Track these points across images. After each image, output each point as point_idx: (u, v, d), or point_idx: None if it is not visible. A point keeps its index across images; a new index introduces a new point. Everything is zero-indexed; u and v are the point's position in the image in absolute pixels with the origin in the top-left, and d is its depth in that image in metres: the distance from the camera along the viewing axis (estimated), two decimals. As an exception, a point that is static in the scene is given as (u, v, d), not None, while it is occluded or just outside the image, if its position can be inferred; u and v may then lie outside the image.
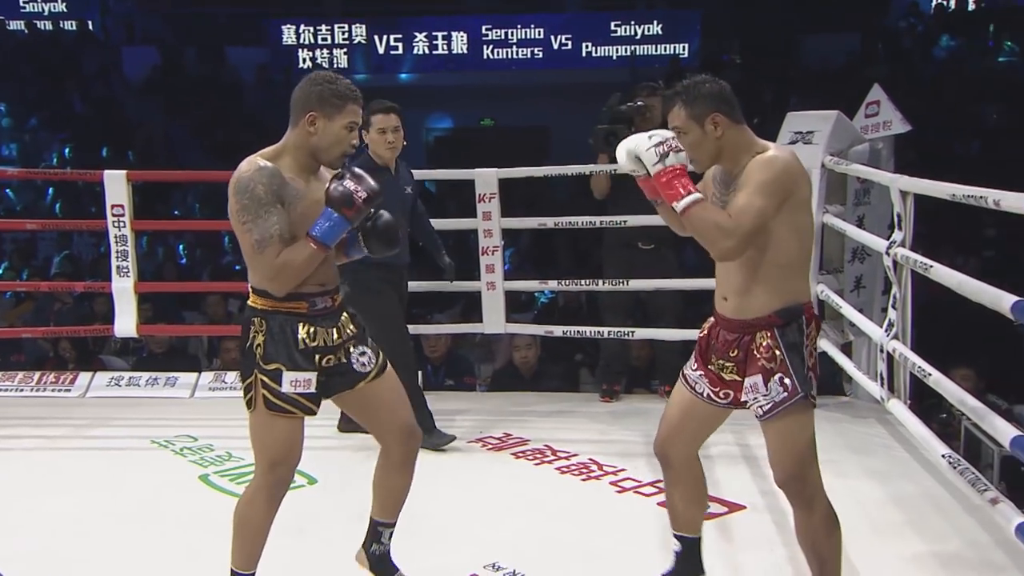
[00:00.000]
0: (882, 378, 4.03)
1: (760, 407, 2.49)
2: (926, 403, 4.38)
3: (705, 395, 2.63)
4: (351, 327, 2.67)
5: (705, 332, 2.67)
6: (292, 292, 2.51)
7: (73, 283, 6.98)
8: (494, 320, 5.12)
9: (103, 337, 6.31)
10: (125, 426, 4.79)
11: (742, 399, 2.56)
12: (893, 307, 3.92)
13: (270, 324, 2.51)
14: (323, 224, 2.44)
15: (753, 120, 11.49)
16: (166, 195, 13.04)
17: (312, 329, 2.54)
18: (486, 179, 5.01)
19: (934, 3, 16.85)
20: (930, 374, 3.62)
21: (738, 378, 2.55)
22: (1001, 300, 2.78)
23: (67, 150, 13.98)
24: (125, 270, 5.10)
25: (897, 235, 3.81)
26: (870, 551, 3.16)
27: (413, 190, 4.43)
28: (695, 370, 2.66)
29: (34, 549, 3.33)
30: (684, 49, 16.95)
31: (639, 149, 2.43)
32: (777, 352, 2.46)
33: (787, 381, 2.45)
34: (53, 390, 5.38)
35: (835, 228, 4.49)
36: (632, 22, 17.31)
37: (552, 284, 5.56)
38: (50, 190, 12.63)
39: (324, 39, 17.70)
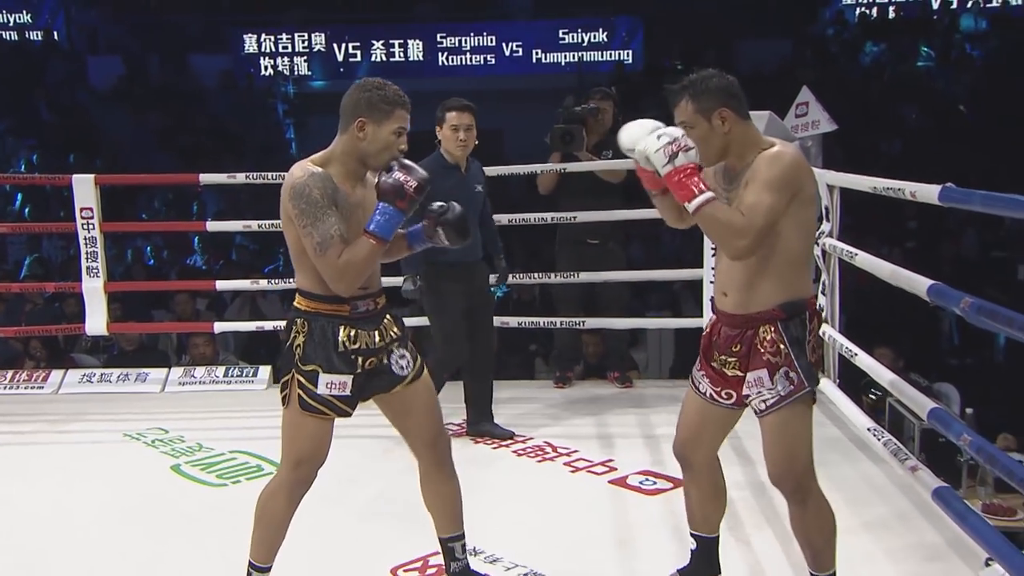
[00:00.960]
0: (814, 359, 4.09)
1: (764, 401, 2.37)
2: (862, 382, 4.45)
3: (708, 395, 2.52)
4: (394, 330, 2.58)
5: (707, 330, 2.56)
6: (334, 295, 2.44)
7: (44, 284, 6.87)
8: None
9: (74, 336, 6.22)
10: (97, 420, 4.73)
11: (743, 394, 2.43)
12: (823, 293, 4.00)
13: (312, 326, 2.46)
14: (378, 218, 2.37)
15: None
16: (133, 199, 12.88)
17: (353, 332, 2.47)
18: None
19: (858, 12, 17.14)
20: (856, 354, 3.71)
21: (740, 373, 2.42)
22: (919, 285, 2.85)
23: (35, 156, 13.71)
24: (95, 270, 5.03)
25: (825, 226, 3.89)
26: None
27: (483, 188, 4.23)
28: (699, 370, 2.55)
29: (10, 541, 3.29)
30: (628, 55, 17.07)
31: (648, 151, 2.31)
32: (781, 346, 2.35)
33: (792, 375, 2.35)
34: (26, 388, 5.28)
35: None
36: (579, 30, 17.41)
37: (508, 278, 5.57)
38: (18, 195, 12.40)
39: (285, 47, 17.57)
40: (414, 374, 2.60)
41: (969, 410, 4.38)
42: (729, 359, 2.44)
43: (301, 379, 2.45)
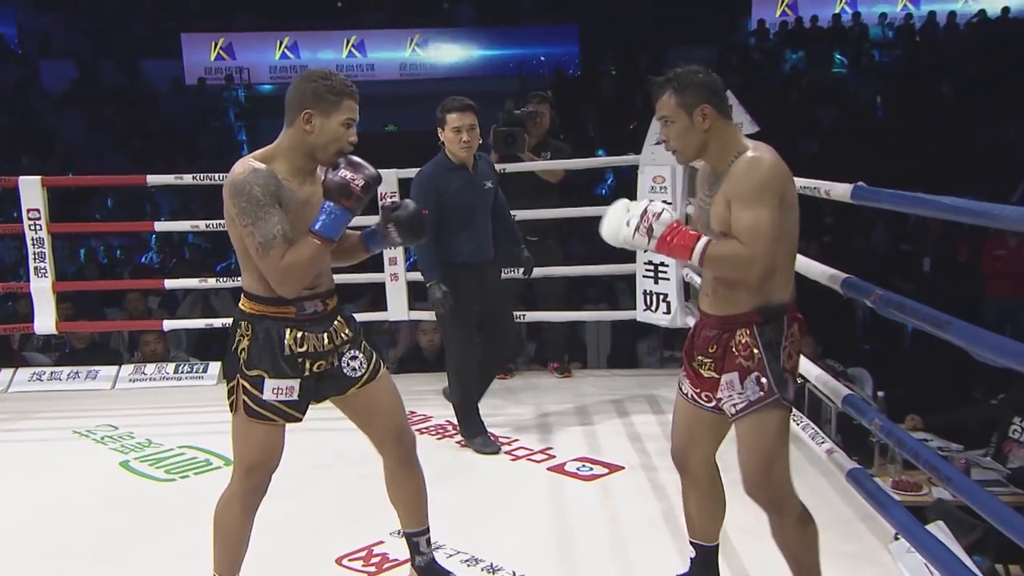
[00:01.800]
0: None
1: (734, 405, 2.22)
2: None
3: (690, 396, 2.36)
4: (345, 331, 2.37)
5: (691, 332, 2.40)
6: (279, 297, 2.24)
7: (-6, 284, 6.62)
8: (398, 308, 5.06)
9: (27, 335, 6.02)
10: (47, 418, 4.57)
11: (717, 396, 2.27)
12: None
13: (256, 329, 2.25)
14: (323, 218, 2.16)
15: (628, 123, 11.64)
16: (87, 200, 12.57)
17: (300, 335, 2.26)
18: (386, 179, 4.93)
19: (778, 22, 17.42)
20: (777, 343, 3.72)
21: (715, 375, 2.26)
22: (835, 278, 2.87)
23: (-14, 158, 13.29)
24: (43, 271, 4.87)
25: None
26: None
27: (494, 184, 3.91)
28: (682, 371, 2.39)
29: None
30: (565, 60, 17.12)
31: (626, 243, 2.18)
32: (755, 350, 2.19)
33: (763, 380, 2.18)
34: (-25, 386, 5.09)
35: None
36: (519, 37, 17.42)
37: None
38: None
39: (234, 51, 17.30)
40: (369, 374, 2.40)
41: (880, 392, 4.45)
42: (705, 360, 2.29)
43: (246, 384, 2.26)
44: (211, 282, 5.57)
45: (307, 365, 2.29)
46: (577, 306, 6.26)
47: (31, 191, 4.80)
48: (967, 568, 2.26)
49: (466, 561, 2.86)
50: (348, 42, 17.52)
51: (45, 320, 4.91)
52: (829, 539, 2.75)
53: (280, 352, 2.25)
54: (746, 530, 2.76)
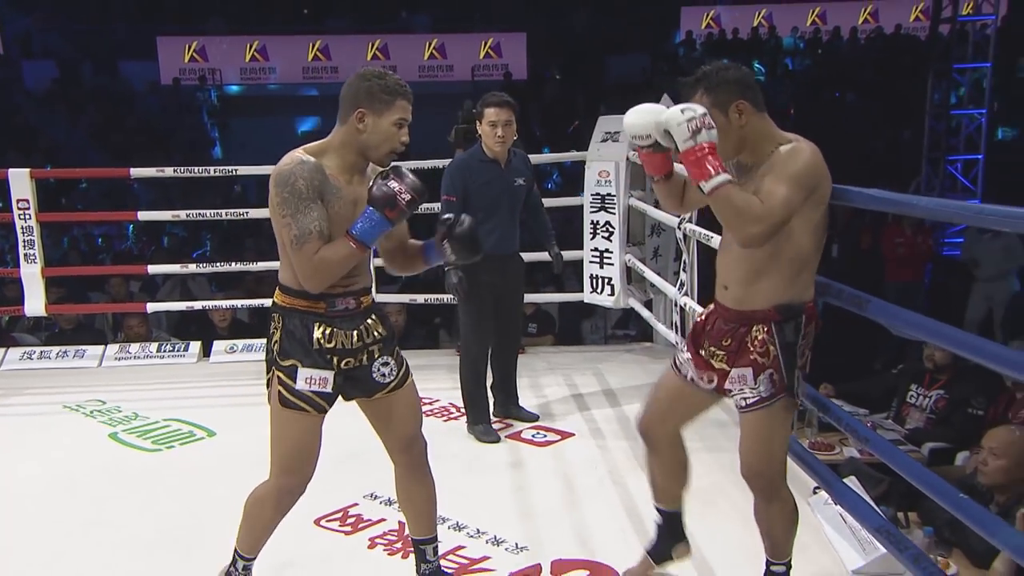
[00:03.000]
0: (676, 327, 4.15)
1: (744, 399, 2.07)
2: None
3: (689, 378, 2.20)
4: (378, 331, 2.16)
5: (703, 318, 2.22)
6: (312, 292, 2.06)
7: (-17, 270, 6.41)
8: (365, 291, 5.00)
9: (17, 317, 5.83)
10: (38, 394, 4.42)
11: (726, 387, 2.12)
12: (683, 271, 4.04)
13: (287, 321, 2.07)
14: (364, 223, 1.98)
15: (573, 122, 11.65)
16: (70, 191, 12.21)
17: (328, 330, 2.07)
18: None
19: (704, 34, 17.60)
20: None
21: (727, 367, 2.11)
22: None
23: (-27, 153, 12.80)
24: (32, 257, 4.70)
25: (685, 213, 3.91)
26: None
27: (526, 181, 3.65)
28: (684, 353, 2.23)
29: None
30: (514, 65, 17.07)
31: (671, 123, 1.91)
32: (771, 348, 2.03)
33: (775, 377, 2.03)
34: (-32, 365, 4.91)
35: (638, 209, 4.58)
36: (471, 42, 17.32)
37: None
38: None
39: (207, 54, 16.91)
40: (397, 382, 2.20)
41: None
42: (718, 352, 2.12)
43: (281, 375, 2.07)
44: (191, 268, 5.46)
45: (335, 361, 2.10)
46: (528, 289, 6.26)
47: (20, 183, 4.63)
48: (877, 514, 2.32)
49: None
50: (314, 46, 17.23)
51: (35, 303, 4.74)
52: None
53: (310, 345, 2.07)
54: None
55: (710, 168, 1.89)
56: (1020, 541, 1.61)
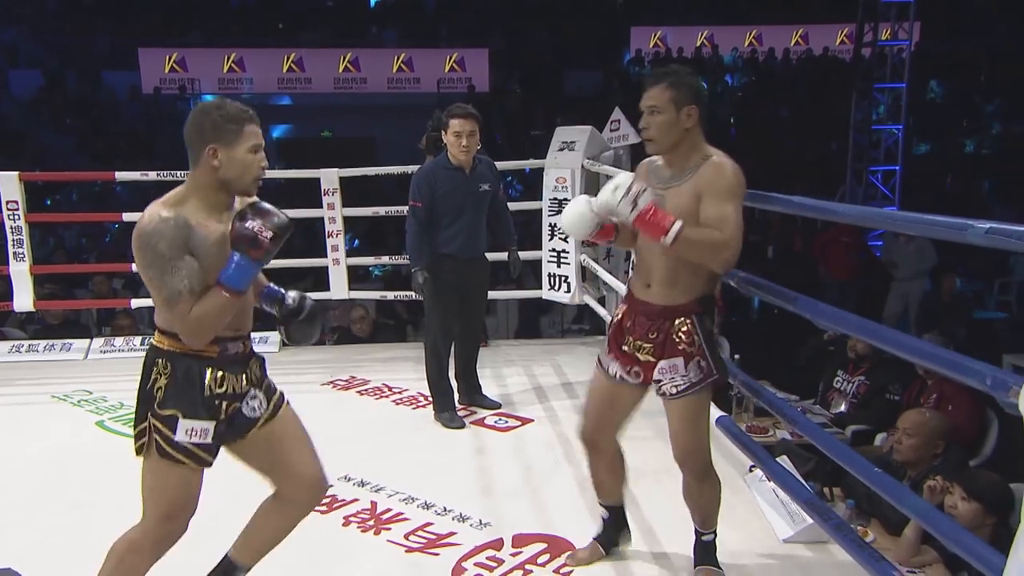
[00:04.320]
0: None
1: (676, 386, 2.09)
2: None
3: (617, 376, 2.20)
4: (256, 371, 1.96)
5: (618, 318, 2.21)
6: None
7: (-28, 268, 6.23)
8: (339, 288, 4.99)
9: (5, 312, 5.68)
10: (27, 384, 4.34)
11: (654, 378, 2.13)
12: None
13: (175, 367, 1.83)
14: (231, 268, 1.77)
15: (531, 132, 11.69)
16: (55, 194, 11.91)
17: (220, 374, 1.86)
18: (329, 177, 4.85)
19: (652, 52, 17.81)
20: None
21: (653, 360, 2.11)
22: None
23: (-39, 156, 12.41)
24: (21, 255, 4.61)
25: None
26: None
27: (491, 187, 3.61)
28: (608, 354, 2.23)
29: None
30: (477, 79, 17.06)
31: (610, 206, 1.95)
32: (696, 338, 2.07)
33: (703, 364, 2.07)
34: (-42, 359, 4.78)
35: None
36: (437, 56, 17.28)
37: (384, 259, 5.48)
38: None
39: (187, 64, 16.62)
40: (269, 413, 1.96)
41: (736, 356, 4.62)
42: (644, 345, 2.12)
43: (158, 424, 1.82)
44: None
45: (223, 407, 1.87)
46: (490, 286, 6.29)
47: (9, 185, 4.53)
48: (805, 489, 2.40)
49: (404, 499, 2.87)
50: (288, 58, 17.02)
51: (23, 299, 4.65)
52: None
53: (200, 392, 1.84)
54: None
55: (662, 224, 1.92)
56: (923, 507, 1.69)
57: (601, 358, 2.25)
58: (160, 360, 1.85)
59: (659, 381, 2.12)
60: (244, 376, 1.91)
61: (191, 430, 1.82)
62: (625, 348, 2.17)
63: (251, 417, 1.93)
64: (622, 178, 1.98)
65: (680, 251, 1.95)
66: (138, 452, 1.87)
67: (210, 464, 1.89)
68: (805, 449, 3.51)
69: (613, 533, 2.44)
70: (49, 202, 11.82)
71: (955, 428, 3.29)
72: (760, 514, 2.72)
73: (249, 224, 1.75)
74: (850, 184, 11.23)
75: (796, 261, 8.12)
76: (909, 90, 11.06)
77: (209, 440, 1.85)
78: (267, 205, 1.81)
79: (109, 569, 1.92)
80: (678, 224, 1.91)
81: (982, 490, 2.56)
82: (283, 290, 2.07)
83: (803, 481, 2.68)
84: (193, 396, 1.83)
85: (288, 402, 2.03)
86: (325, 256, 4.93)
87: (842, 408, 4.39)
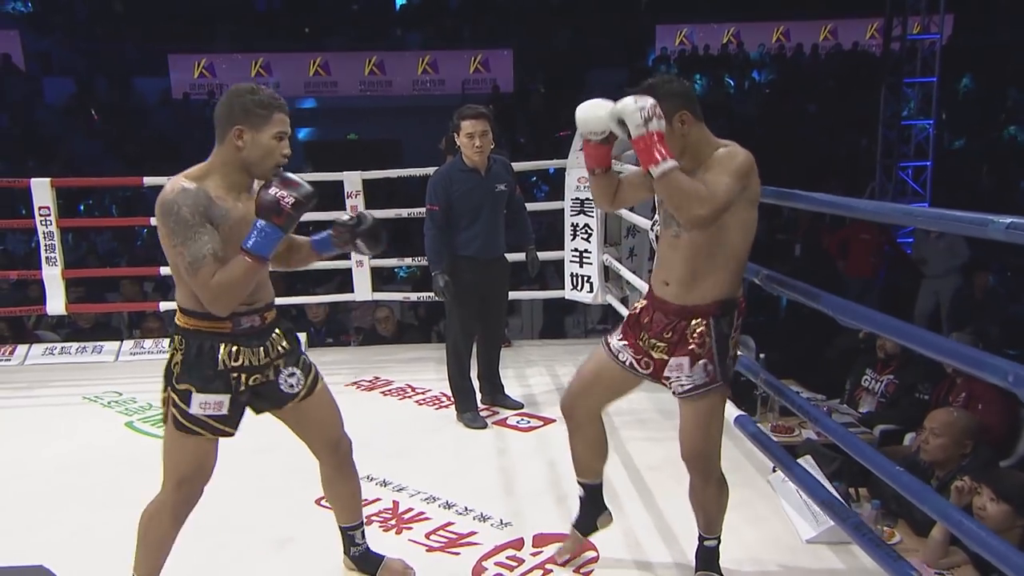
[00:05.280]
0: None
1: (681, 385, 2.08)
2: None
3: (628, 363, 2.17)
4: (282, 344, 2.04)
5: (636, 311, 2.19)
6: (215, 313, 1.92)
7: (8, 272, 6.38)
8: (363, 290, 5.03)
9: (40, 316, 5.83)
10: (60, 386, 4.43)
11: (664, 375, 2.12)
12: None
13: (189, 343, 1.92)
14: (254, 235, 1.82)
15: (555, 133, 11.63)
16: (87, 199, 12.16)
17: (235, 349, 1.93)
18: (352, 180, 4.89)
19: (677, 51, 17.68)
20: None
21: (666, 357, 2.10)
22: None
23: (-3, 163, 12.74)
24: (53, 260, 4.71)
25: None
26: (631, 448, 3.31)
27: (508, 187, 3.59)
28: (620, 340, 2.19)
29: (-17, 492, 3.07)
30: (501, 80, 17.10)
31: (625, 111, 1.88)
32: (708, 340, 2.04)
33: (710, 368, 2.05)
34: (-6, 360, 4.91)
35: (614, 212, 4.62)
36: (461, 58, 17.35)
37: (408, 260, 5.51)
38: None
39: (215, 70, 16.88)
40: (306, 390, 2.09)
41: (762, 355, 4.59)
42: (659, 343, 2.11)
43: (175, 397, 1.93)
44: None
45: (242, 379, 1.96)
46: (514, 287, 6.30)
47: (42, 191, 4.63)
48: (824, 489, 2.37)
49: (426, 499, 2.89)
50: (314, 62, 17.19)
51: (56, 303, 4.75)
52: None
53: (213, 367, 1.92)
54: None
55: (658, 155, 1.87)
56: (947, 508, 1.66)
57: (611, 342, 2.21)
58: (176, 337, 1.94)
59: (668, 378, 2.11)
60: (263, 349, 1.99)
61: (205, 403, 1.92)
62: (640, 343, 2.16)
63: (288, 393, 2.05)
64: (650, 99, 1.91)
65: (662, 189, 1.92)
66: (163, 420, 2.00)
67: (231, 434, 2.00)
68: (830, 449, 3.48)
69: (590, 516, 2.40)
70: (82, 207, 12.07)
71: (985, 428, 3.24)
72: (783, 514, 2.69)
73: (273, 191, 1.82)
74: (879, 181, 11.07)
75: (823, 259, 8.03)
76: (940, 84, 10.87)
77: (224, 412, 1.95)
78: (292, 175, 1.88)
79: (139, 539, 2.06)
80: (672, 163, 1.87)
81: (1012, 491, 2.52)
82: (330, 226, 2.12)
83: (827, 481, 2.65)
84: (206, 371, 1.91)
85: (322, 378, 2.16)
86: (349, 258, 4.98)
87: (870, 407, 4.34)
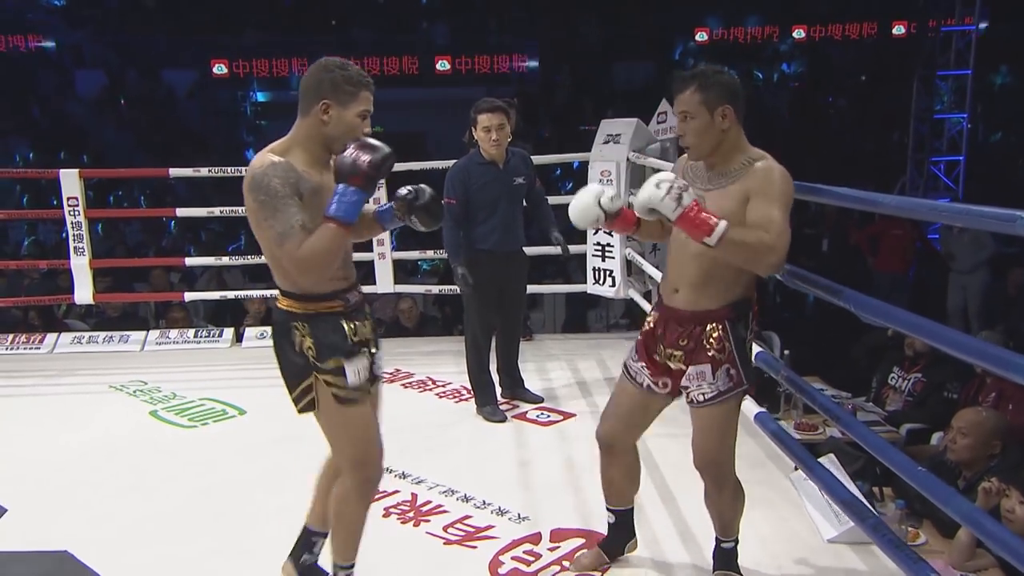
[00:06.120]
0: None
1: (703, 394, 2.02)
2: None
3: (645, 385, 2.14)
4: (370, 321, 2.05)
5: (650, 326, 2.13)
6: (326, 293, 1.90)
7: (38, 261, 6.53)
8: (385, 282, 5.05)
9: (70, 305, 5.93)
10: (87, 374, 4.50)
11: (682, 385, 2.07)
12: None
13: (315, 326, 1.89)
14: (337, 201, 1.78)
15: (580, 127, 11.66)
16: (116, 190, 12.34)
17: (353, 324, 1.94)
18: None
19: (705, 42, 17.51)
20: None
21: (684, 367, 2.05)
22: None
23: (30, 154, 12.99)
24: (81, 250, 4.78)
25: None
26: (650, 445, 3.27)
27: (526, 179, 3.59)
28: (636, 361, 2.16)
29: (13, 473, 3.14)
30: (526, 72, 17.07)
31: (654, 201, 1.82)
32: (727, 344, 1.99)
33: (733, 372, 2.00)
34: (25, 348, 4.99)
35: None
36: (486, 50, 17.34)
37: (429, 254, 5.51)
38: (17, 187, 11.74)
39: (241, 64, 17.05)
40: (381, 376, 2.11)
41: (787, 351, 4.53)
42: (675, 352, 2.06)
43: (327, 378, 1.90)
44: (225, 260, 5.51)
45: (367, 351, 1.98)
46: (537, 281, 6.30)
47: (70, 182, 4.71)
48: (845, 489, 2.33)
49: (444, 492, 2.89)
50: (341, 54, 17.30)
51: (83, 292, 4.83)
52: (739, 468, 2.83)
53: (347, 339, 1.92)
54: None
55: (708, 223, 1.80)
56: (971, 510, 1.63)
57: (629, 365, 2.18)
58: (297, 324, 1.90)
59: (687, 388, 2.06)
60: (367, 323, 2.00)
61: (358, 370, 1.92)
62: (657, 357, 2.11)
63: (378, 375, 2.07)
64: (666, 174, 1.88)
65: (725, 252, 1.83)
66: (304, 410, 1.95)
67: (369, 394, 1.99)
68: (854, 448, 3.42)
69: (619, 540, 2.37)
70: (112, 199, 12.26)
71: (1015, 428, 3.16)
72: (805, 513, 2.66)
73: (350, 153, 1.79)
74: (911, 175, 10.88)
75: (851, 254, 7.92)
76: (975, 77, 10.64)
77: (370, 372, 1.97)
78: (370, 139, 1.84)
79: (335, 523, 2.04)
80: (723, 224, 1.80)
81: (1041, 494, 2.46)
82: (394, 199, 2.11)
83: (850, 480, 2.61)
84: (344, 343, 1.91)
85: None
86: (371, 251, 5.00)
87: (897, 406, 4.27)
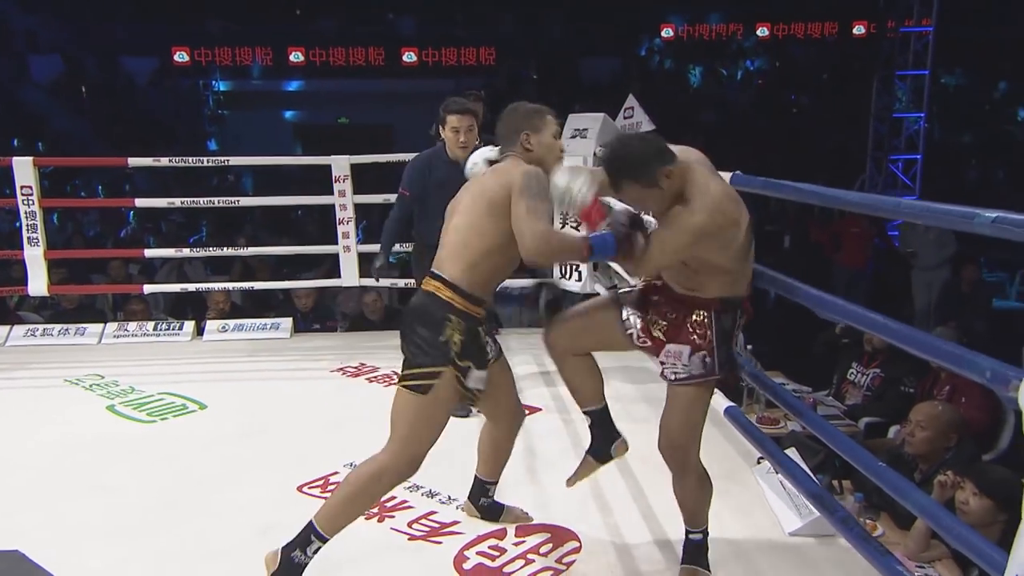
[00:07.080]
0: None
1: (675, 373, 2.07)
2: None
3: (631, 335, 2.20)
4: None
5: (648, 286, 2.21)
6: (481, 297, 2.12)
7: (-11, 252, 6.31)
8: (350, 275, 4.99)
9: (23, 297, 5.76)
10: (41, 368, 4.38)
11: (659, 359, 2.12)
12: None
13: (466, 324, 2.10)
14: (601, 240, 2.01)
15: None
16: (74, 179, 12.04)
17: (483, 331, 2.19)
18: (340, 164, 4.84)
19: (671, 39, 17.63)
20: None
21: (663, 339, 2.11)
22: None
23: (-19, 141, 12.59)
24: (35, 240, 4.64)
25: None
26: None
27: None
28: (634, 311, 2.21)
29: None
30: (493, 66, 17.03)
31: (579, 187, 2.10)
32: (708, 332, 2.04)
33: (708, 360, 2.04)
34: (-25, 342, 4.85)
35: (603, 202, 4.59)
36: (453, 43, 17.28)
37: (395, 247, 5.46)
38: (-33, 175, 11.36)
39: (203, 53, 16.72)
40: (495, 354, 2.31)
41: (749, 346, 4.59)
42: (660, 322, 2.13)
43: (458, 373, 2.10)
44: (186, 252, 5.41)
45: (487, 360, 2.21)
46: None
47: (24, 170, 4.57)
48: (812, 482, 2.37)
49: (409, 487, 2.85)
50: (305, 45, 17.04)
51: (38, 283, 4.69)
52: (706, 462, 2.84)
53: (483, 349, 2.17)
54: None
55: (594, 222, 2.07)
56: (927, 503, 1.66)
57: (624, 302, 2.22)
58: (454, 317, 2.10)
59: (663, 363, 2.11)
60: (489, 336, 2.25)
61: (479, 379, 2.16)
62: (647, 319, 2.17)
63: (488, 358, 2.24)
64: (576, 177, 2.07)
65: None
66: (413, 390, 2.12)
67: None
68: (815, 441, 3.48)
69: (604, 441, 2.34)
70: (69, 188, 11.95)
71: (968, 421, 3.24)
72: (767, 506, 2.69)
73: (628, 230, 2.03)
74: (870, 173, 11.09)
75: (812, 251, 8.04)
76: (932, 77, 10.88)
77: (483, 386, 2.19)
78: (645, 216, 2.09)
79: (348, 495, 2.13)
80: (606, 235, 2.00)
81: (994, 486, 2.52)
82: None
83: (811, 473, 2.65)
84: (480, 352, 2.16)
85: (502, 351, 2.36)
86: (337, 243, 4.94)
87: (856, 400, 4.36)
